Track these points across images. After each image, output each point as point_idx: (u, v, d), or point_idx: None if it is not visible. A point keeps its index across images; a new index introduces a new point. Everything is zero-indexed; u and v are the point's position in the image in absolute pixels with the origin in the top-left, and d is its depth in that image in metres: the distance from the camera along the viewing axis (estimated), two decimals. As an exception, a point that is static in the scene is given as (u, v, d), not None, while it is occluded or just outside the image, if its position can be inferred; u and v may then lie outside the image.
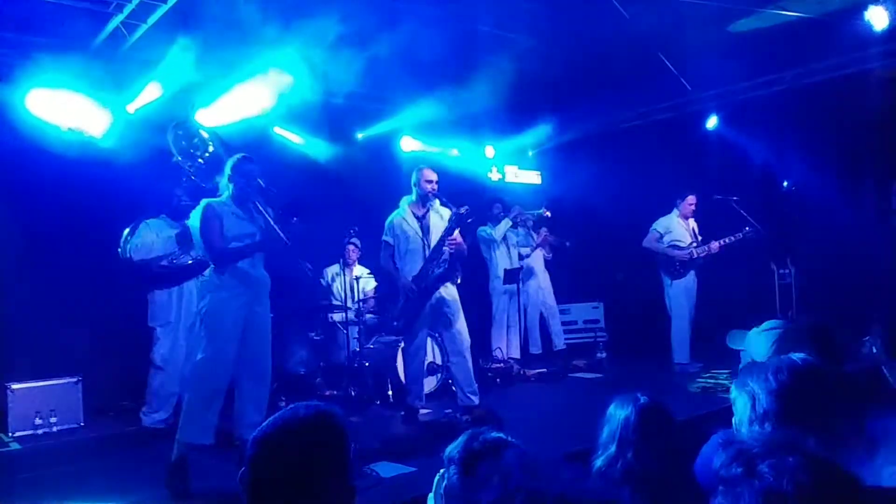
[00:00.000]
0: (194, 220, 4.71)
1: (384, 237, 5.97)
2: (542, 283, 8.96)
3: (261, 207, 4.80)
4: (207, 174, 5.81)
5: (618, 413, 2.59)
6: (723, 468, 1.26)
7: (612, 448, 2.56)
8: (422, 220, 5.88)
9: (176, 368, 5.86)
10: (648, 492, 2.47)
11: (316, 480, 1.63)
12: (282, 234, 4.67)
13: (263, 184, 4.88)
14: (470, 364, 5.82)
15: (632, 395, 2.62)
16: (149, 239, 5.91)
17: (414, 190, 5.92)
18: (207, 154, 6.03)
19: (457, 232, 5.81)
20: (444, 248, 5.73)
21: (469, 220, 5.88)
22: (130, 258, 5.91)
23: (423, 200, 5.87)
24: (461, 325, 5.84)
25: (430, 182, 5.83)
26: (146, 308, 6.06)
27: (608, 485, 2.52)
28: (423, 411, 6.12)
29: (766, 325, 2.12)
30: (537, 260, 8.96)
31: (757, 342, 2.10)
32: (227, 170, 4.83)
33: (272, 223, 4.72)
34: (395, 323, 5.88)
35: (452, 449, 1.94)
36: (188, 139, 6.00)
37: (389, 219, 5.96)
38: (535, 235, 8.86)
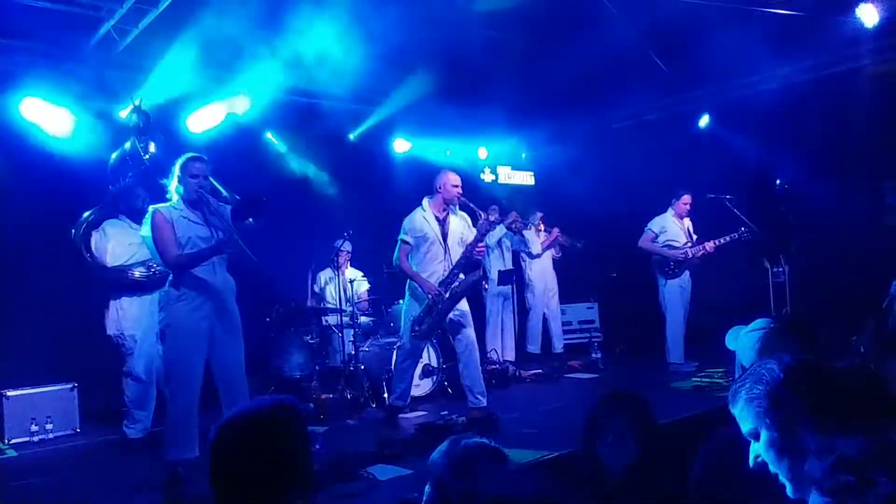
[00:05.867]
0: (145, 229, 4.51)
1: (403, 236, 5.80)
2: (549, 284, 8.96)
3: (214, 208, 4.58)
4: (144, 178, 5.72)
5: (592, 407, 2.66)
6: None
7: (586, 438, 2.64)
8: (442, 223, 5.80)
9: (153, 377, 5.63)
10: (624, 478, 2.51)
11: (272, 465, 1.71)
12: (237, 236, 4.43)
13: (216, 183, 4.68)
14: (479, 365, 5.80)
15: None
16: (124, 243, 5.61)
17: (437, 193, 5.80)
18: (149, 156, 5.93)
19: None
20: (474, 254, 5.67)
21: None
22: (101, 262, 5.60)
23: (446, 204, 5.79)
24: (471, 328, 5.80)
25: (457, 186, 5.74)
26: (104, 314, 5.75)
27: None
28: (417, 413, 6.15)
29: (753, 324, 2.11)
30: (546, 260, 8.96)
31: (744, 343, 2.10)
32: (176, 171, 4.61)
33: (229, 224, 4.50)
34: (417, 328, 5.68)
35: (435, 455, 1.97)
36: (143, 132, 5.90)
37: (410, 218, 5.82)
38: (540, 237, 8.87)
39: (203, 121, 7.33)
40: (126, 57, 6.60)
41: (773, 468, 1.52)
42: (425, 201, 5.86)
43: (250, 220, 4.51)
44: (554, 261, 9.07)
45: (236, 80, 7.22)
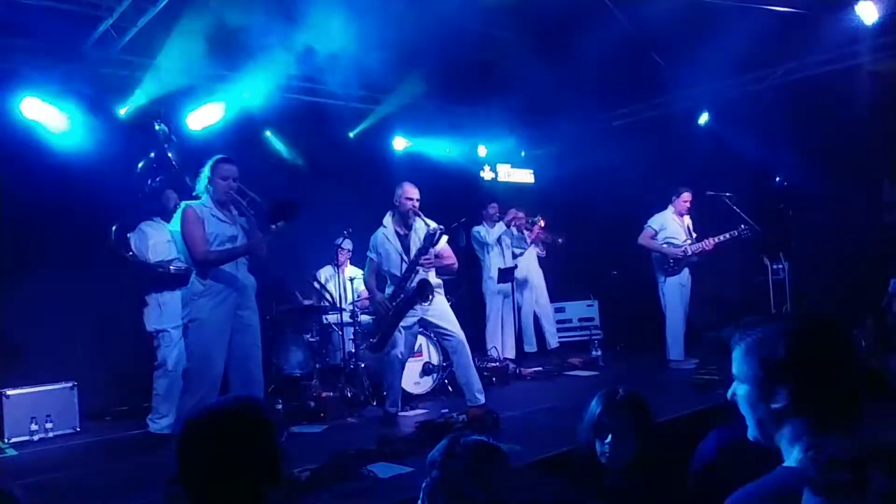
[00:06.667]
0: (175, 224, 4.66)
1: (368, 253, 5.93)
2: (535, 282, 8.96)
3: (244, 209, 4.74)
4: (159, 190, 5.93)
5: (591, 405, 2.66)
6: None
7: (584, 436, 2.64)
8: (404, 238, 5.80)
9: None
10: (626, 479, 2.51)
11: (235, 461, 1.75)
12: (262, 237, 4.64)
13: (243, 185, 4.82)
14: (471, 362, 5.78)
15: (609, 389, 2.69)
16: (162, 240, 5.82)
17: (395, 207, 5.82)
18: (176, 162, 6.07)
19: (444, 242, 5.75)
20: (418, 266, 5.65)
21: (447, 234, 5.80)
22: (144, 259, 5.84)
23: (405, 218, 5.77)
24: (454, 327, 5.74)
25: (411, 199, 5.71)
26: (142, 312, 5.96)
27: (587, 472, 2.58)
28: (417, 411, 6.18)
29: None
30: (531, 258, 8.96)
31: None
32: (206, 171, 4.77)
33: (254, 226, 4.67)
34: (371, 340, 5.86)
35: (435, 453, 1.97)
36: (163, 144, 6.00)
37: (374, 234, 5.90)
38: (528, 234, 8.85)
39: (203, 118, 7.32)
40: (125, 55, 6.60)
41: (742, 409, 1.68)
42: (387, 217, 5.89)
43: (280, 223, 4.68)
44: (540, 259, 9.07)
45: (236, 77, 7.22)
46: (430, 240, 5.65)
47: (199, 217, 4.61)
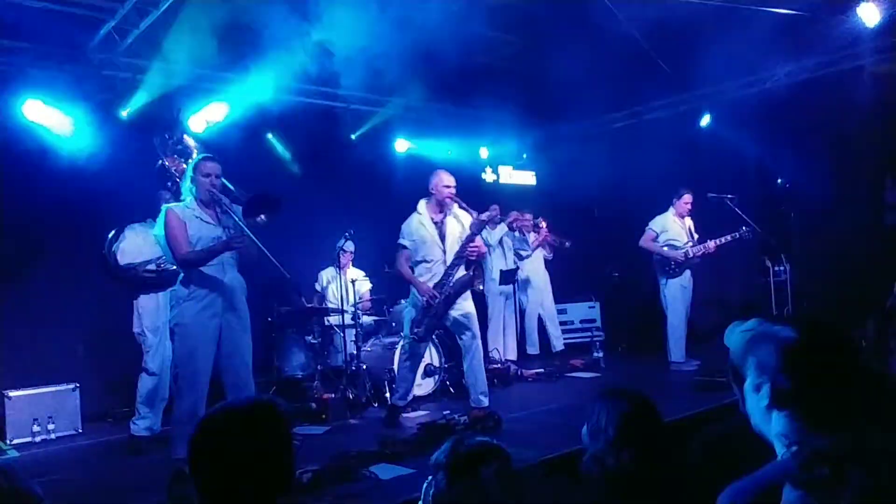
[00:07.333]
0: (158, 227, 4.59)
1: (400, 240, 5.81)
2: (540, 285, 8.95)
3: (226, 207, 4.61)
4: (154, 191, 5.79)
5: (595, 407, 2.64)
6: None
7: (589, 441, 2.63)
8: (440, 225, 5.77)
9: (168, 375, 5.68)
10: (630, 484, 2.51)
11: (248, 462, 1.73)
12: (250, 234, 4.48)
13: (228, 182, 4.74)
14: (482, 364, 5.79)
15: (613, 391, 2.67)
16: (135, 243, 5.75)
17: (431, 195, 5.78)
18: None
19: (479, 238, 5.73)
20: (466, 254, 5.64)
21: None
22: (116, 262, 5.75)
23: (441, 206, 5.75)
24: (474, 326, 5.76)
25: (449, 187, 5.69)
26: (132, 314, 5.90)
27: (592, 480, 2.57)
28: (418, 412, 6.15)
29: (748, 324, 2.13)
30: (537, 260, 8.96)
31: (733, 339, 2.11)
32: (189, 171, 4.69)
33: (239, 223, 4.52)
34: (416, 330, 5.72)
35: (439, 454, 1.96)
36: (174, 145, 5.96)
37: (407, 222, 5.82)
38: (530, 237, 8.86)
39: (205, 119, 7.33)
40: (127, 57, 6.61)
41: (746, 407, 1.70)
42: (421, 204, 5.85)
43: (262, 217, 4.55)
44: (546, 261, 9.07)
45: (238, 79, 7.23)
46: (480, 228, 5.66)
47: (180, 219, 4.53)
